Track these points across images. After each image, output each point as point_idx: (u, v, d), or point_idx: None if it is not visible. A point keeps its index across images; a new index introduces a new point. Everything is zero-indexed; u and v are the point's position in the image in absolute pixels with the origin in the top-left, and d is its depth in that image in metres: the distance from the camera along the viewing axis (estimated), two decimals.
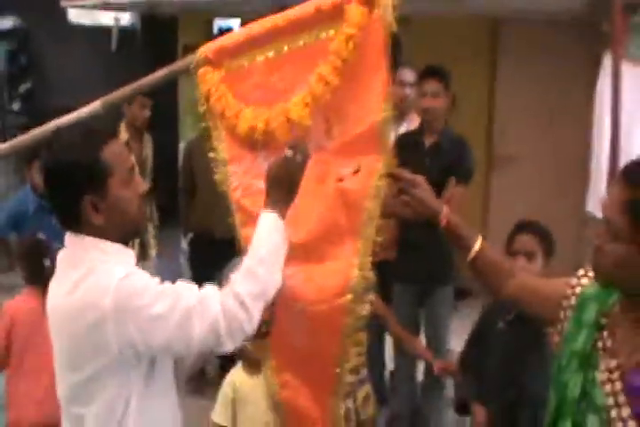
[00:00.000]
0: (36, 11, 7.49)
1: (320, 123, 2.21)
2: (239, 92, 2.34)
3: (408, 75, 4.66)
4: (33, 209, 4.41)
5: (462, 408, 3.46)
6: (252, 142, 2.32)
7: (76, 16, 8.08)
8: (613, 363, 1.70)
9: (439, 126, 4.29)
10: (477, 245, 2.08)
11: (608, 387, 1.68)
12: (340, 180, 2.21)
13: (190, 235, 5.22)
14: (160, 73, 2.49)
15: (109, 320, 1.79)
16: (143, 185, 2.00)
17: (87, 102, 2.63)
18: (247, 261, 1.96)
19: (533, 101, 6.53)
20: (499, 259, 2.13)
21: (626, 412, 1.63)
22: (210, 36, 7.34)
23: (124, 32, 7.53)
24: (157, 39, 7.37)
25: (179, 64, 2.48)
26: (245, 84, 2.34)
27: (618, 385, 1.67)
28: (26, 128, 2.74)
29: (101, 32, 7.86)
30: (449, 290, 4.36)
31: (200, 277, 2.39)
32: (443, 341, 4.35)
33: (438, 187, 4.09)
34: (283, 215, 2.03)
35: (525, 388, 2.85)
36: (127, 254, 1.96)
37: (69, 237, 1.94)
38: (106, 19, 8.12)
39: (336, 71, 2.15)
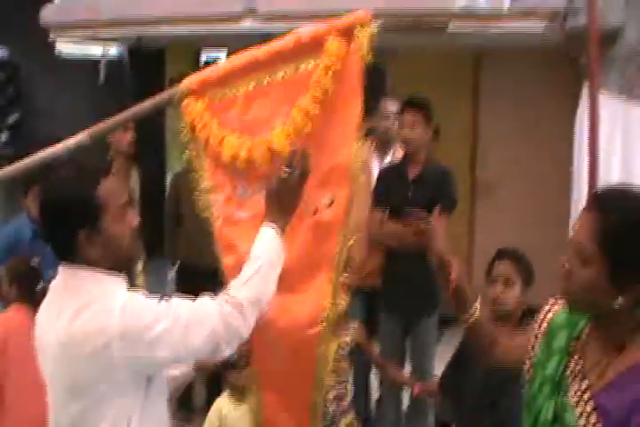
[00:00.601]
0: (26, 42, 7.56)
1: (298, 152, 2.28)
2: (223, 120, 2.42)
3: (392, 106, 4.77)
4: (30, 237, 4.37)
5: None
6: (234, 171, 2.40)
7: (64, 48, 8.17)
8: (584, 385, 1.76)
9: (422, 157, 4.37)
10: (477, 313, 2.16)
11: (579, 408, 1.74)
12: (315, 212, 2.30)
13: (177, 265, 5.28)
14: (146, 104, 2.55)
15: (116, 342, 1.85)
16: (136, 219, 2.08)
17: (75, 134, 2.69)
18: (245, 271, 2.07)
19: (515, 130, 6.65)
20: (490, 328, 2.20)
21: None
22: (197, 68, 7.46)
23: (112, 63, 7.62)
24: (145, 70, 7.45)
25: (163, 95, 2.55)
26: (229, 113, 2.42)
27: (589, 406, 1.72)
28: (13, 159, 2.78)
29: (90, 63, 7.95)
30: (434, 320, 4.42)
31: None
32: (428, 369, 4.39)
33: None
34: (282, 228, 2.14)
35: (504, 414, 2.90)
36: (120, 283, 2.03)
37: (64, 268, 2.01)
38: (94, 50, 8.22)
39: (316, 101, 2.25)
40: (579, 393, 1.76)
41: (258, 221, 2.21)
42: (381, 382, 4.72)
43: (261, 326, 2.17)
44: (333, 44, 2.24)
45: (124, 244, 2.02)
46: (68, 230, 1.95)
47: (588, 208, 1.74)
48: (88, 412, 1.92)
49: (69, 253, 1.99)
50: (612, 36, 4.76)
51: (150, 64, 7.16)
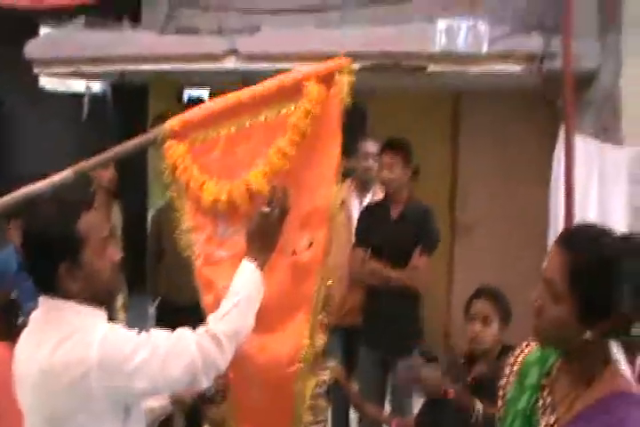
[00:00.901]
0: (7, 75, 7.64)
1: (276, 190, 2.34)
2: (203, 164, 2.49)
3: (371, 146, 4.84)
4: (16, 268, 4.37)
5: None
6: (215, 213, 2.47)
7: (47, 82, 8.25)
8: (552, 418, 1.81)
9: (403, 197, 4.46)
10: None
11: None
12: (294, 253, 2.38)
13: (157, 301, 5.29)
14: (130, 144, 2.62)
15: (94, 372, 1.89)
16: (118, 253, 2.12)
17: (55, 170, 2.73)
18: (224, 305, 2.13)
19: (495, 170, 6.73)
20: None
21: None
22: (180, 105, 7.54)
23: (95, 99, 7.69)
24: (127, 107, 7.54)
25: (147, 136, 2.61)
26: (209, 156, 2.49)
27: None
28: None
29: (72, 98, 8.02)
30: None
31: None
32: (407, 407, 4.43)
33: (404, 255, 4.26)
34: (261, 265, 2.20)
35: None
36: (100, 316, 2.07)
37: (45, 300, 2.05)
38: (77, 86, 8.31)
39: (293, 143, 2.35)
40: (548, 426, 1.81)
41: (237, 260, 2.25)
42: (360, 420, 4.74)
43: (240, 363, 2.22)
44: (314, 89, 2.33)
45: (104, 277, 2.06)
46: (50, 263, 1.99)
47: (558, 245, 1.79)
48: None
49: (50, 286, 2.02)
50: (587, 80, 4.91)
51: (133, 100, 7.23)
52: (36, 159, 7.56)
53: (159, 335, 2.05)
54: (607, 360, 1.79)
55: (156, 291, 5.27)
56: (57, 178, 2.72)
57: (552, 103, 4.87)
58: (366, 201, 4.92)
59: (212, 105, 2.55)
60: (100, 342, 1.92)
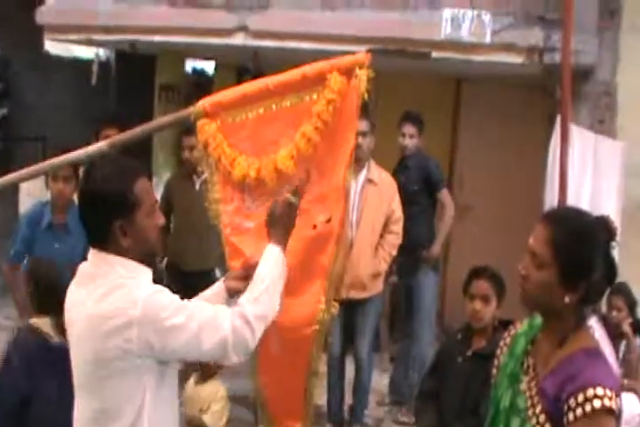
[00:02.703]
0: (17, 39, 7.89)
1: (302, 172, 2.73)
2: (233, 141, 2.83)
3: (363, 125, 5.00)
4: (45, 225, 4.53)
5: None
6: (243, 187, 2.83)
7: (51, 46, 8.49)
8: (532, 374, 2.21)
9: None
10: None
11: (527, 393, 2.18)
12: (314, 227, 2.77)
13: (165, 262, 5.55)
14: (164, 120, 2.95)
15: (135, 326, 2.18)
16: (162, 218, 2.41)
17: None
18: (254, 288, 2.40)
19: (491, 156, 7.13)
20: None
21: (538, 409, 2.12)
22: (183, 76, 7.84)
23: (100, 66, 7.94)
24: (132, 75, 7.79)
25: (181, 113, 2.92)
26: (238, 135, 2.84)
27: (534, 390, 2.17)
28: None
29: (78, 64, 8.27)
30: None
31: None
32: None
33: (413, 196, 5.44)
34: (284, 249, 2.50)
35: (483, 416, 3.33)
36: (146, 272, 2.36)
37: (94, 253, 2.32)
38: (82, 52, 8.56)
39: (317, 130, 2.72)
40: (528, 382, 2.21)
41: (261, 230, 2.60)
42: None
43: None
44: (336, 80, 2.69)
45: (151, 238, 2.33)
46: (106, 221, 2.24)
47: (543, 221, 2.21)
48: (106, 381, 2.25)
49: (103, 241, 2.27)
50: (585, 74, 5.25)
51: (139, 69, 7.49)
52: (41, 121, 7.85)
53: (198, 306, 2.32)
54: (580, 325, 2.18)
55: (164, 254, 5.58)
56: (92, 149, 2.97)
57: (551, 94, 5.17)
58: (361, 178, 5.19)
59: (240, 90, 2.89)
60: (145, 300, 2.20)
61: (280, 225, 2.52)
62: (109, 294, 2.23)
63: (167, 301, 2.26)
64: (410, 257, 5.54)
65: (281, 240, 2.51)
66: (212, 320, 2.28)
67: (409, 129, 5.53)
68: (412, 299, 5.70)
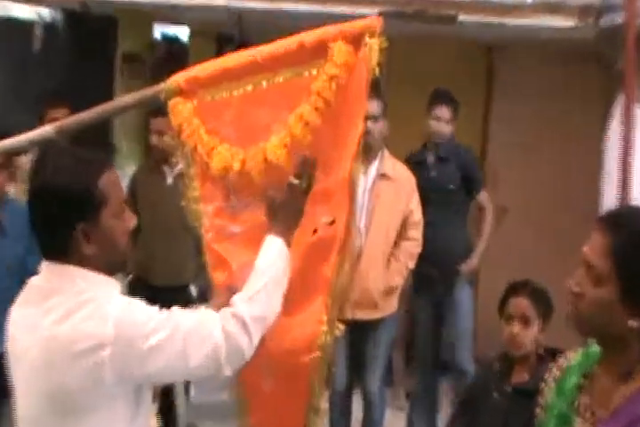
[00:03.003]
0: None
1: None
2: (213, 126, 2.80)
3: (374, 107, 4.98)
4: None
5: None
6: (225, 183, 2.79)
7: None
8: (587, 415, 2.20)
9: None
10: None
11: None
12: (315, 231, 2.72)
13: (129, 277, 5.61)
14: (128, 99, 2.91)
15: (107, 348, 2.16)
16: (133, 220, 2.39)
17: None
18: (250, 285, 2.41)
19: (531, 146, 7.13)
20: None
21: None
22: (151, 44, 7.82)
23: (45, 29, 7.89)
24: (87, 41, 7.75)
25: (148, 91, 2.89)
26: (220, 118, 2.81)
27: None
28: None
29: (16, 27, 8.22)
30: None
31: None
32: None
33: (448, 196, 5.47)
34: (287, 242, 2.50)
35: None
36: (115, 286, 2.35)
37: (51, 266, 2.29)
38: (21, 11, 8.50)
39: (317, 112, 2.65)
40: (582, 425, 2.20)
41: (250, 237, 2.60)
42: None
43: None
44: (340, 52, 2.63)
45: (120, 243, 2.31)
46: (65, 224, 2.20)
47: (600, 227, 2.17)
48: (67, 419, 2.22)
49: (61, 250, 2.24)
50: None
51: (95, 34, 7.46)
52: None
53: (182, 315, 2.31)
54: None
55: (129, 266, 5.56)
56: (34, 134, 2.94)
57: (608, 67, 5.15)
58: (372, 171, 5.21)
59: (222, 61, 2.86)
60: (118, 317, 2.18)
61: (281, 213, 2.52)
62: (72, 314, 2.20)
63: (144, 316, 2.25)
64: (443, 270, 5.52)
65: (284, 232, 2.51)
66: (199, 329, 2.28)
67: (444, 112, 5.47)
68: (441, 321, 5.69)
